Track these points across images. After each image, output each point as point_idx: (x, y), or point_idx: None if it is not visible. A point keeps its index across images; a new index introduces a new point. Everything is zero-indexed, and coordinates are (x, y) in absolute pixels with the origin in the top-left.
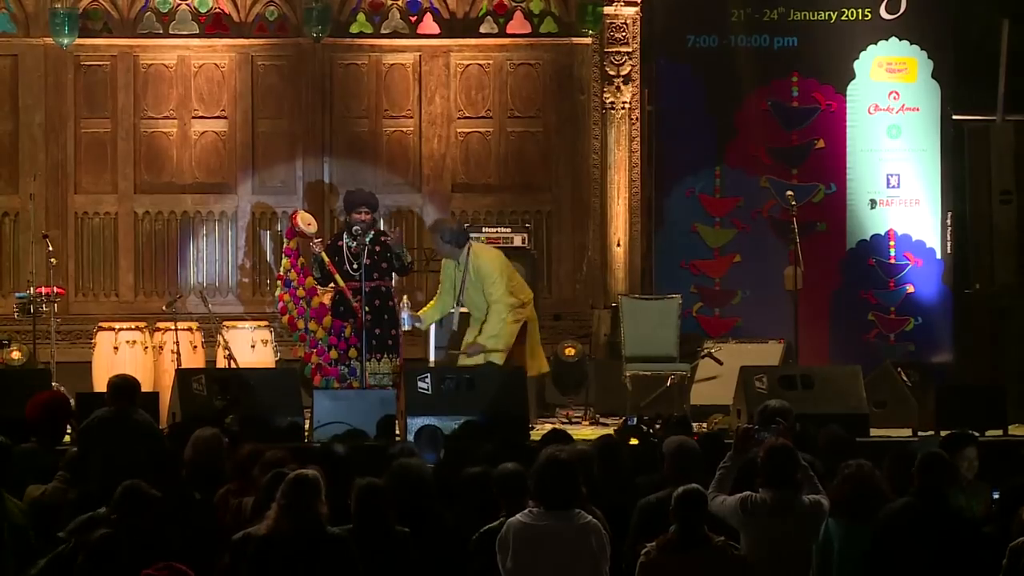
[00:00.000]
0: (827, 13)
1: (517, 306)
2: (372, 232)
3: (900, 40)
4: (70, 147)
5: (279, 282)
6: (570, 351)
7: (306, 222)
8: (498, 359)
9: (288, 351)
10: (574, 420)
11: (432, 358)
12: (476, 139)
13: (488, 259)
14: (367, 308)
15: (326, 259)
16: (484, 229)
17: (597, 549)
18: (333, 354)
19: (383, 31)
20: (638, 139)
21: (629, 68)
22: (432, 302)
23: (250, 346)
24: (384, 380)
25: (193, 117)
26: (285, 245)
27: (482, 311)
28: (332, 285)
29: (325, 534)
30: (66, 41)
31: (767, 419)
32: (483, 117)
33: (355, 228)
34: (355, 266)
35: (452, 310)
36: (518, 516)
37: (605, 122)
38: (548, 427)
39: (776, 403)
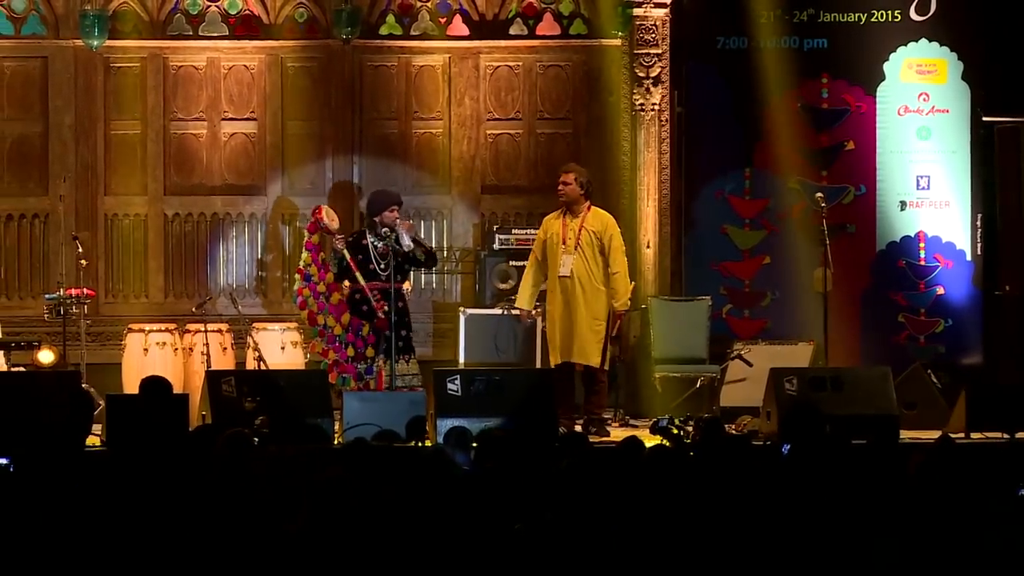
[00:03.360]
0: (857, 14)
1: None
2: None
3: (930, 42)
4: (100, 149)
5: (298, 276)
6: None
7: (331, 217)
8: None
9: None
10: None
11: (462, 359)
12: (506, 141)
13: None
14: (392, 310)
15: (347, 256)
16: (514, 231)
17: None
18: (350, 351)
19: (412, 33)
20: (667, 141)
21: (659, 70)
22: (525, 282)
23: (280, 347)
24: (412, 381)
25: (223, 119)
26: (306, 239)
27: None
28: (347, 283)
29: None
30: (96, 43)
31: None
32: (512, 119)
33: (383, 230)
34: (382, 265)
35: (566, 256)
36: None
37: (634, 124)
38: (578, 428)
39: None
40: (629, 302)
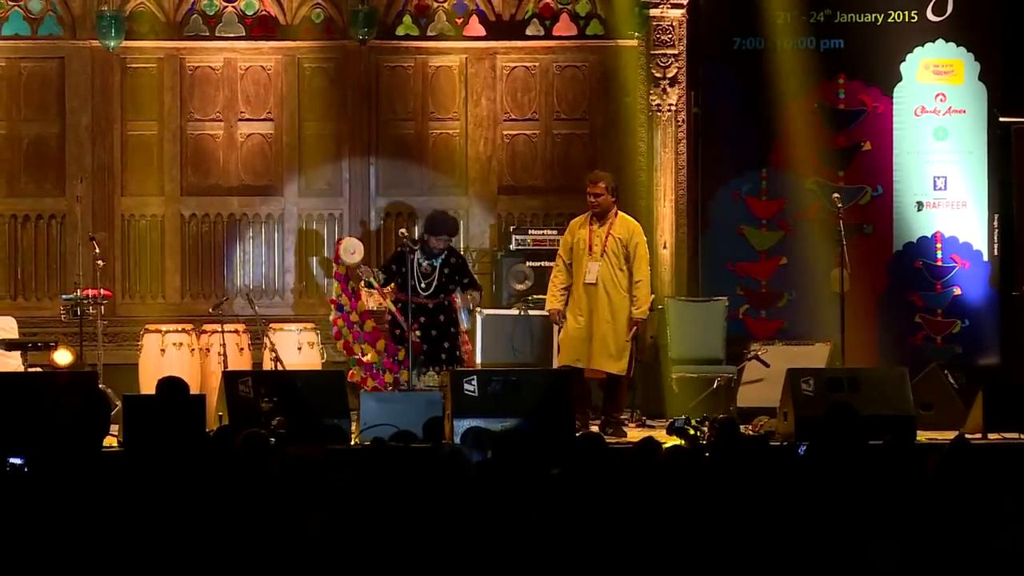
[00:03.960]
0: (873, 15)
1: None
2: (445, 252)
3: (947, 42)
4: (116, 149)
5: (332, 306)
6: None
7: (349, 251)
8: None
9: (335, 353)
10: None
11: (479, 359)
12: (522, 141)
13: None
14: (432, 328)
15: (378, 281)
16: (530, 231)
17: None
18: (388, 378)
19: (429, 33)
20: (684, 141)
21: (675, 70)
22: (554, 285)
23: (296, 348)
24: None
25: (239, 119)
26: (334, 270)
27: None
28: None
29: None
30: (112, 43)
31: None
32: (529, 119)
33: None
34: (423, 284)
35: (592, 264)
36: None
37: (651, 124)
38: (595, 429)
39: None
40: (648, 311)
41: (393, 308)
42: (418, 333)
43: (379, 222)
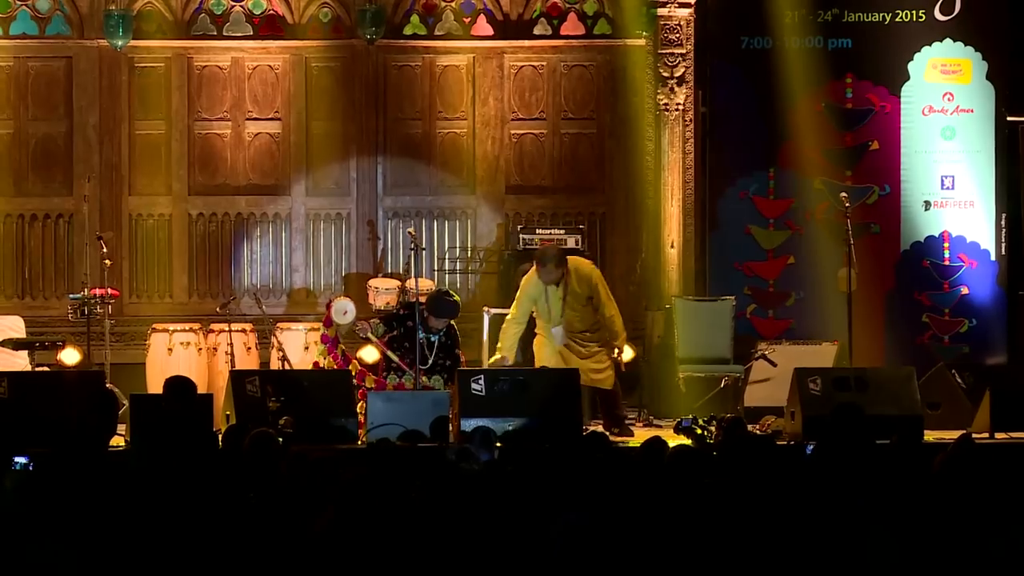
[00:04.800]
0: (881, 14)
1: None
2: (444, 328)
3: (954, 41)
4: (124, 149)
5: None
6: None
7: (341, 312)
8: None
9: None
10: (628, 421)
11: (486, 359)
12: (530, 141)
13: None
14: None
15: (377, 337)
16: (538, 231)
17: None
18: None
19: (437, 33)
20: (692, 140)
21: (683, 70)
22: (511, 321)
23: (304, 347)
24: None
25: (247, 119)
26: (322, 332)
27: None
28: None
29: None
30: (120, 43)
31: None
32: (537, 119)
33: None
34: (426, 354)
35: (556, 328)
36: None
37: (659, 124)
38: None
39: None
40: (626, 339)
41: (395, 357)
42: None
43: (386, 222)
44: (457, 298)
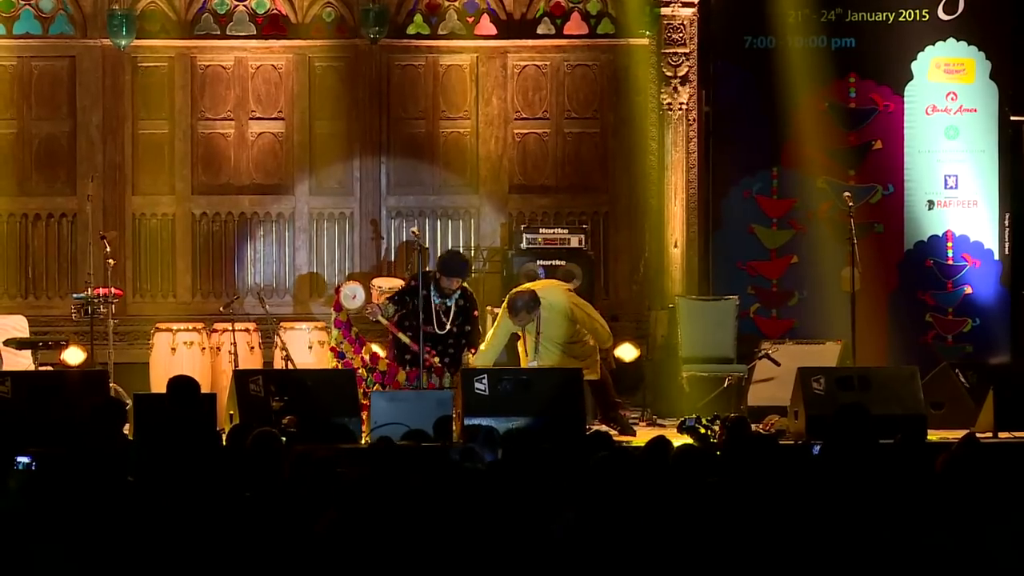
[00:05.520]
0: (884, 14)
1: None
2: (458, 292)
3: (958, 41)
4: (127, 148)
5: (331, 354)
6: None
7: (350, 296)
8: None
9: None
10: (631, 421)
11: None
12: (533, 140)
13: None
14: (447, 358)
15: (387, 318)
16: (541, 230)
17: None
18: (401, 376)
19: (440, 32)
20: (695, 140)
21: (686, 69)
22: (486, 347)
23: (307, 347)
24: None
25: (250, 118)
26: (334, 317)
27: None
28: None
29: None
30: (123, 42)
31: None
32: (540, 118)
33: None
34: (434, 320)
35: (532, 362)
36: None
37: (662, 123)
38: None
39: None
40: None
41: (407, 339)
42: (438, 360)
43: (390, 221)
44: (468, 257)
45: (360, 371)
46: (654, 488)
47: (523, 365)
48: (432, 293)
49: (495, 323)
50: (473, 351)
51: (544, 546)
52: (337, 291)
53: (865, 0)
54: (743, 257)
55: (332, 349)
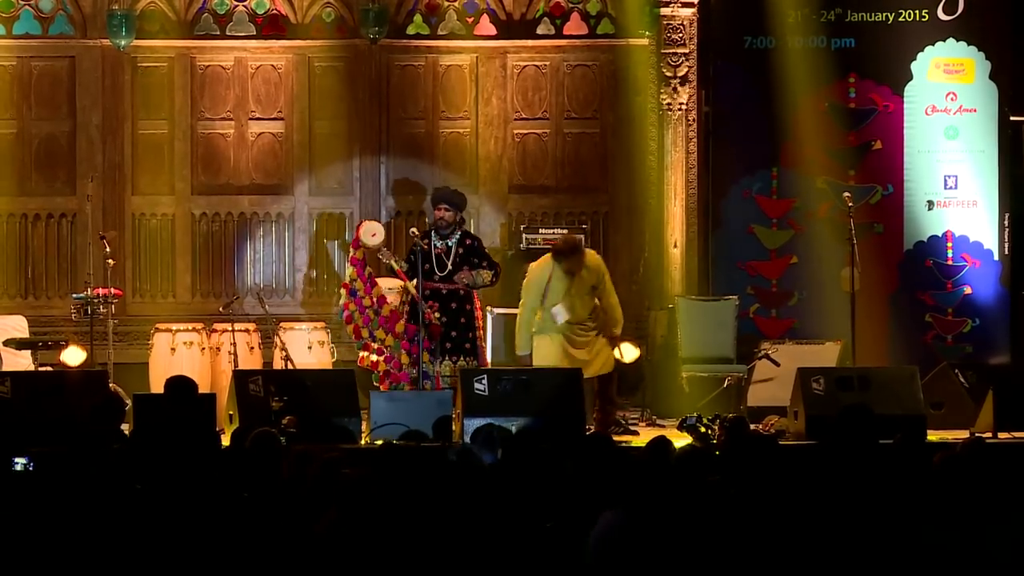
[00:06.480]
0: (884, 14)
1: None
2: (459, 232)
3: (957, 41)
4: (127, 148)
5: (343, 290)
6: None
7: (370, 233)
8: None
9: (345, 352)
10: (631, 421)
11: (490, 358)
12: (533, 140)
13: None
14: (440, 315)
15: (399, 264)
16: (541, 230)
17: None
18: (404, 359)
19: (440, 32)
20: (695, 140)
21: (686, 69)
22: (525, 328)
23: (307, 347)
24: (447, 382)
25: (250, 118)
26: (351, 254)
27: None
28: (402, 287)
29: None
30: (123, 42)
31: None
32: (540, 118)
33: (414, 235)
34: (437, 267)
35: (556, 308)
36: None
37: (662, 123)
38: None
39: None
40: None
41: (413, 290)
42: (438, 316)
43: (389, 221)
44: (459, 192)
45: (368, 311)
46: (656, 488)
47: (539, 331)
48: (433, 238)
49: (525, 288)
50: (483, 273)
51: (543, 546)
52: (358, 228)
53: (865, 0)
54: (743, 257)
55: (344, 286)
